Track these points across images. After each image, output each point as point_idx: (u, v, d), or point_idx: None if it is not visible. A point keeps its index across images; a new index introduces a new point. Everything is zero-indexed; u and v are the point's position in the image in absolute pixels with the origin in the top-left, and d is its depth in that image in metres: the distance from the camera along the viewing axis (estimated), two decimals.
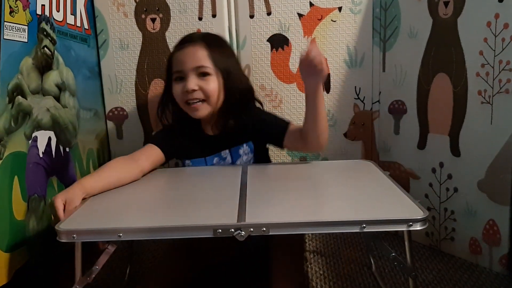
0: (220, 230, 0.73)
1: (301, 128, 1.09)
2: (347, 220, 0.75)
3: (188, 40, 1.15)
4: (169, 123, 1.23)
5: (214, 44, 1.15)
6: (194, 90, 1.10)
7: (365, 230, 0.73)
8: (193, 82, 1.10)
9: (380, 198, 0.87)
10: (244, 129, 1.16)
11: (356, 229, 0.73)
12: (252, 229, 0.73)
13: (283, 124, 1.14)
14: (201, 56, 1.11)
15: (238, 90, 1.15)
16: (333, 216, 0.78)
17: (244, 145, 1.18)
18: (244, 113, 1.16)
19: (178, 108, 1.18)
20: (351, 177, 1.06)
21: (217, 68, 1.12)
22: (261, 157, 1.23)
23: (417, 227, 0.74)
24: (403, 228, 0.74)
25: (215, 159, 1.18)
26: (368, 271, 1.21)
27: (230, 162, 1.18)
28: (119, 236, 0.74)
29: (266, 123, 1.16)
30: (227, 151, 1.18)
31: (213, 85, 1.12)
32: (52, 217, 0.87)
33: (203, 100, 1.12)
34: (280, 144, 1.15)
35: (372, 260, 1.23)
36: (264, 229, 0.73)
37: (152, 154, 1.13)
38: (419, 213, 0.75)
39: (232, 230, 0.73)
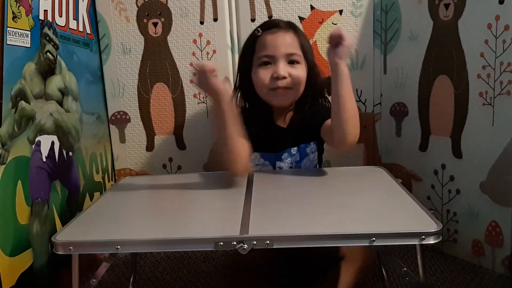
0: (221, 243, 0.71)
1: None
2: (355, 233, 0.71)
3: (277, 25, 1.11)
4: (241, 108, 1.18)
5: (302, 33, 1.14)
6: (284, 77, 1.08)
7: (374, 244, 0.70)
8: (284, 68, 1.08)
9: (391, 208, 0.83)
10: (312, 125, 1.11)
11: (365, 243, 0.70)
12: (255, 242, 0.71)
13: (326, 116, 1.06)
14: (294, 43, 1.10)
15: (317, 83, 1.14)
16: (341, 229, 0.74)
17: (312, 143, 1.16)
18: (315, 108, 1.13)
19: (250, 95, 1.15)
20: (361, 185, 1.02)
21: (305, 58, 1.11)
22: (321, 158, 1.21)
23: (430, 240, 0.70)
24: (415, 242, 0.70)
25: (285, 155, 1.15)
26: (377, 280, 1.19)
27: (299, 159, 1.15)
28: (117, 248, 0.72)
29: (321, 118, 1.09)
30: (296, 148, 1.15)
31: (302, 73, 1.10)
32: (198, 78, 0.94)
33: (289, 88, 1.09)
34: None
35: (384, 271, 1.17)
36: (268, 242, 0.71)
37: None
38: (433, 226, 0.71)
39: (234, 243, 0.71)
